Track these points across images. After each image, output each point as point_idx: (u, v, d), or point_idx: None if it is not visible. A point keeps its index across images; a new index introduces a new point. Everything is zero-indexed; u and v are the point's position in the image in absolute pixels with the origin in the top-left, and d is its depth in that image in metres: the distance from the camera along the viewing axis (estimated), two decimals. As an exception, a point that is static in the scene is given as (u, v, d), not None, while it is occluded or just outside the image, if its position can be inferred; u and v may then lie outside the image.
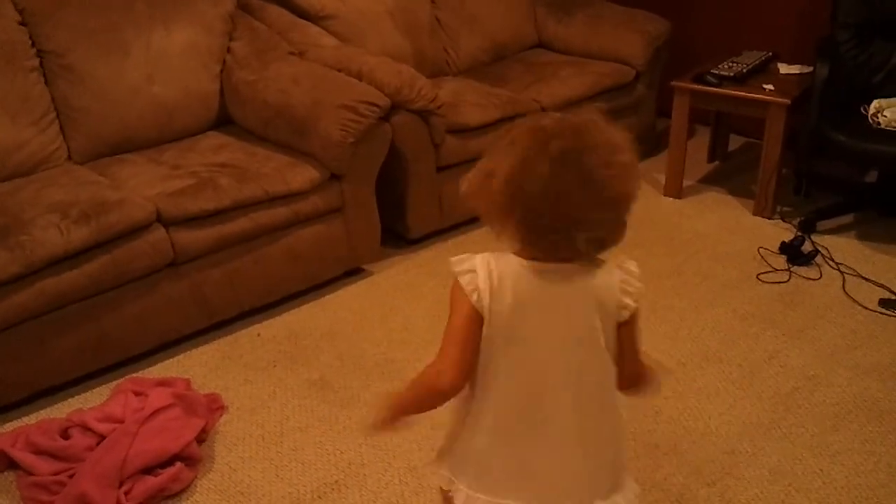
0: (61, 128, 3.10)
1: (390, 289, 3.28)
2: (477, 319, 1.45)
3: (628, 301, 1.47)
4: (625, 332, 1.50)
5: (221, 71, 3.43)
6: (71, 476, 2.25)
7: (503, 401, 1.51)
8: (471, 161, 1.50)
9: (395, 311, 3.14)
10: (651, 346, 2.91)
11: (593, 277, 1.46)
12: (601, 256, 1.48)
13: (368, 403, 2.63)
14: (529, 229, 1.41)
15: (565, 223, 1.38)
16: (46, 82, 3.08)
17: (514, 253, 1.46)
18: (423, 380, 1.50)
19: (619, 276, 1.47)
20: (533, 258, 1.44)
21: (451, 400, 1.53)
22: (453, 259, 1.48)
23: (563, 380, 1.49)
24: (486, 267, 1.45)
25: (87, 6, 3.16)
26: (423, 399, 1.52)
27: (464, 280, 1.45)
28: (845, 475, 2.35)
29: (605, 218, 1.39)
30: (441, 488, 1.66)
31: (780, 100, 3.63)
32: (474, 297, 1.44)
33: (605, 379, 1.52)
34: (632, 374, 1.55)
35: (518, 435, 1.52)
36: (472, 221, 3.66)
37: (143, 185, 2.89)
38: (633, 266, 1.49)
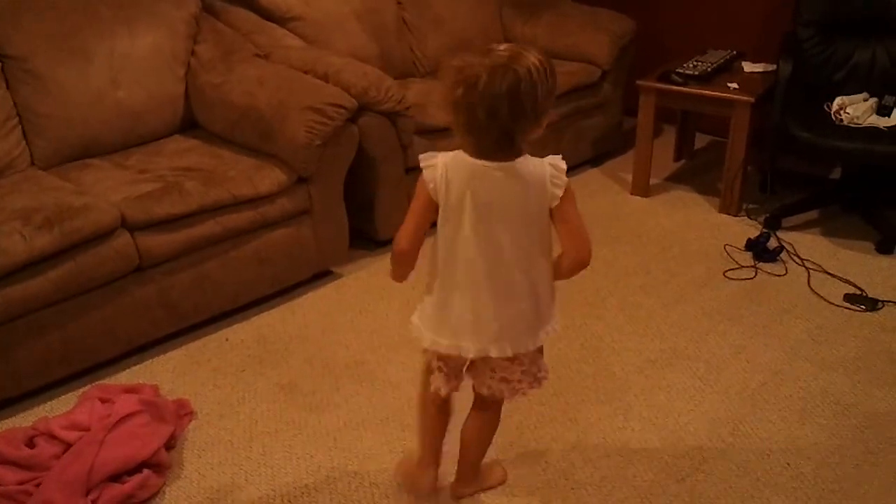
0: (24, 133, 3.06)
1: (359, 291, 3.27)
2: (430, 204, 1.86)
3: (557, 192, 1.81)
4: (557, 212, 1.84)
5: (186, 74, 3.40)
6: (37, 485, 2.22)
7: (442, 267, 1.91)
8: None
9: (364, 313, 3.13)
10: (620, 343, 2.95)
11: (525, 172, 1.80)
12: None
13: (339, 406, 2.63)
14: (470, 133, 1.76)
15: (494, 126, 1.72)
16: (8, 87, 3.04)
17: (466, 153, 1.80)
18: (393, 245, 1.94)
19: (549, 171, 1.81)
20: (478, 157, 1.79)
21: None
22: (421, 156, 1.85)
23: (482, 250, 1.85)
24: (444, 164, 1.82)
25: (49, 11, 3.13)
26: (393, 259, 1.96)
27: (426, 174, 1.84)
28: (813, 468, 2.37)
29: (522, 124, 1.74)
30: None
31: (744, 98, 3.67)
32: (430, 186, 1.84)
33: (527, 250, 1.87)
34: (572, 244, 1.88)
35: (447, 290, 1.92)
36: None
37: (107, 190, 2.86)
38: (560, 163, 1.82)
